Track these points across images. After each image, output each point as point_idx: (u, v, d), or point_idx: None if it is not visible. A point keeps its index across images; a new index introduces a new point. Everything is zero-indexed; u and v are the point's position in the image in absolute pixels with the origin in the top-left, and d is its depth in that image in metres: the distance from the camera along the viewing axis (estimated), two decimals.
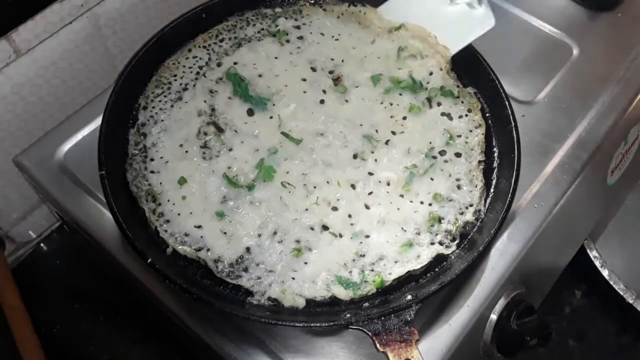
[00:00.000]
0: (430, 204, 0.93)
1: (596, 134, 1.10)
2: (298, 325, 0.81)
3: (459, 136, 0.99)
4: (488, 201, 0.95)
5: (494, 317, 0.96)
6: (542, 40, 1.24)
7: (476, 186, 0.95)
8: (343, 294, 0.85)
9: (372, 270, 0.87)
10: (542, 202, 1.01)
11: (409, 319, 0.80)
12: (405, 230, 0.90)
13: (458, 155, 0.98)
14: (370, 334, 0.79)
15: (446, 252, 0.89)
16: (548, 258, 1.17)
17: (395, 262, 0.88)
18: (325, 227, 0.90)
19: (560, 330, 1.44)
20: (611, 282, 1.37)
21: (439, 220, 0.92)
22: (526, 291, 1.01)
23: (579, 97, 1.14)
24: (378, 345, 0.78)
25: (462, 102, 1.03)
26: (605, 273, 1.38)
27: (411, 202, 0.93)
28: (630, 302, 1.34)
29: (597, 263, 1.38)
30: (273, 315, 0.82)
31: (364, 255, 0.88)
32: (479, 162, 0.97)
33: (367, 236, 0.90)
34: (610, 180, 1.22)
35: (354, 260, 0.88)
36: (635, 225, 1.53)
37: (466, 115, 1.01)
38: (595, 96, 1.15)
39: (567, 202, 1.04)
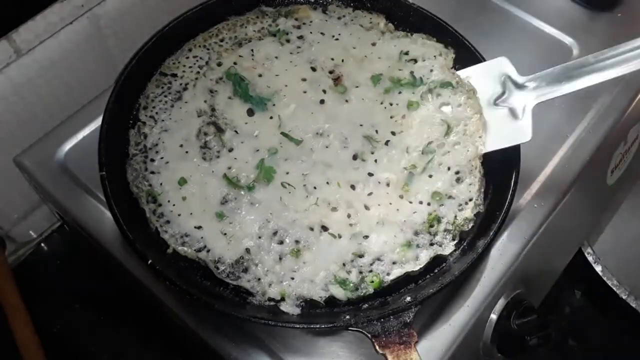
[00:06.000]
0: (429, 204, 0.93)
1: (596, 134, 1.10)
2: (297, 326, 0.81)
3: (458, 124, 0.98)
4: (487, 201, 0.94)
5: (494, 317, 0.96)
6: (542, 40, 1.24)
7: (475, 177, 0.94)
8: (341, 294, 0.85)
9: (371, 271, 0.87)
10: (542, 202, 1.02)
11: (408, 320, 0.80)
12: (404, 231, 0.90)
13: (457, 143, 0.96)
14: (369, 335, 0.79)
15: (445, 253, 0.89)
16: (548, 258, 1.17)
17: (394, 263, 0.88)
18: (324, 228, 0.90)
19: (560, 330, 1.44)
20: (604, 278, 1.37)
21: (438, 220, 0.91)
22: (526, 291, 1.01)
23: (579, 97, 1.14)
24: (377, 347, 0.78)
25: (460, 91, 1.01)
26: (598, 269, 1.38)
27: (410, 202, 0.93)
28: (624, 297, 1.34)
29: (591, 259, 1.38)
30: (273, 316, 0.82)
31: (362, 256, 0.88)
32: (478, 148, 0.95)
33: (366, 237, 0.89)
34: (610, 180, 1.22)
35: (352, 260, 0.88)
36: (628, 222, 1.53)
37: (465, 103, 1.00)
38: (595, 96, 1.15)
39: (567, 202, 1.04)
